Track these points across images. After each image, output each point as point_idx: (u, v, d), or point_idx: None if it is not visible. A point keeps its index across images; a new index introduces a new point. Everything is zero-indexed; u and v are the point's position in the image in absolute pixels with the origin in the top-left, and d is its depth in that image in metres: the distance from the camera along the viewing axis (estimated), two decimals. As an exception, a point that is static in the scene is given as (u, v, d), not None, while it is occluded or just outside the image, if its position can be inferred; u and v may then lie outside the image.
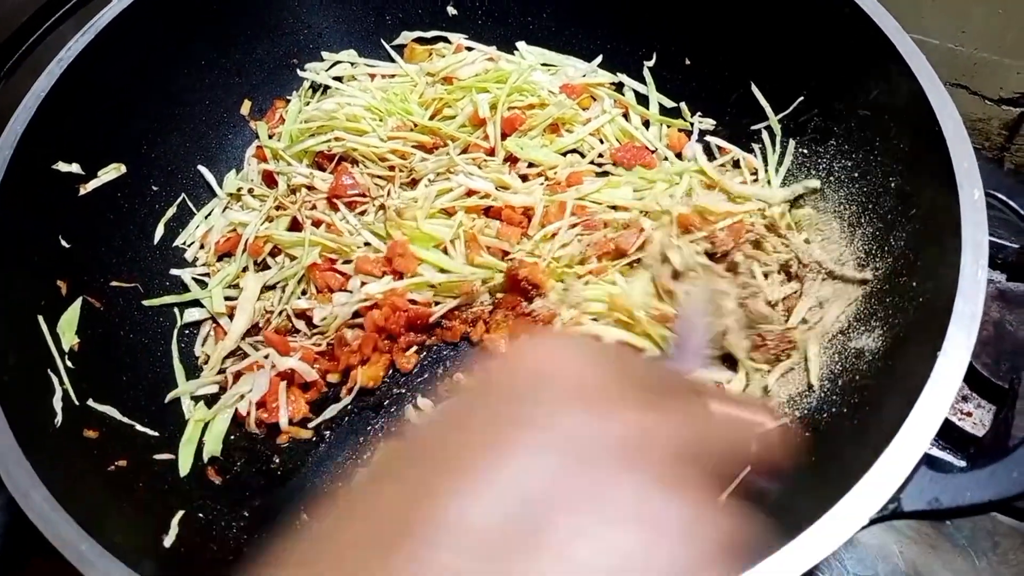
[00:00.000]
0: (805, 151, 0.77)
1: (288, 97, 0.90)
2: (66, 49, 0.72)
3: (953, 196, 0.59)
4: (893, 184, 0.68)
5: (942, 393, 0.51)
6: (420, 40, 0.93)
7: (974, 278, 0.55)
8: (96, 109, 0.75)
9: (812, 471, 0.61)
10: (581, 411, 0.27)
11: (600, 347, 0.32)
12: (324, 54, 0.91)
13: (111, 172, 0.76)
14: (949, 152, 0.60)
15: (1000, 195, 0.60)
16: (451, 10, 0.92)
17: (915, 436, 0.50)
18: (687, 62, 0.87)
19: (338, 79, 0.90)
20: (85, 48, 0.72)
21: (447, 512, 0.23)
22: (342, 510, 0.26)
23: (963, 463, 0.79)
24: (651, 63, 0.89)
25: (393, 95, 0.88)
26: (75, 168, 0.73)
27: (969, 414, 0.80)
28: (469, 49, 0.92)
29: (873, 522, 0.49)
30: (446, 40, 0.93)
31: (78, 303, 0.70)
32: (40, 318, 0.66)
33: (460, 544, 0.23)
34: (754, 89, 0.82)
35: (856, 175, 0.72)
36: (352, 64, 0.91)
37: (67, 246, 0.71)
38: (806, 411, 0.67)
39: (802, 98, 0.78)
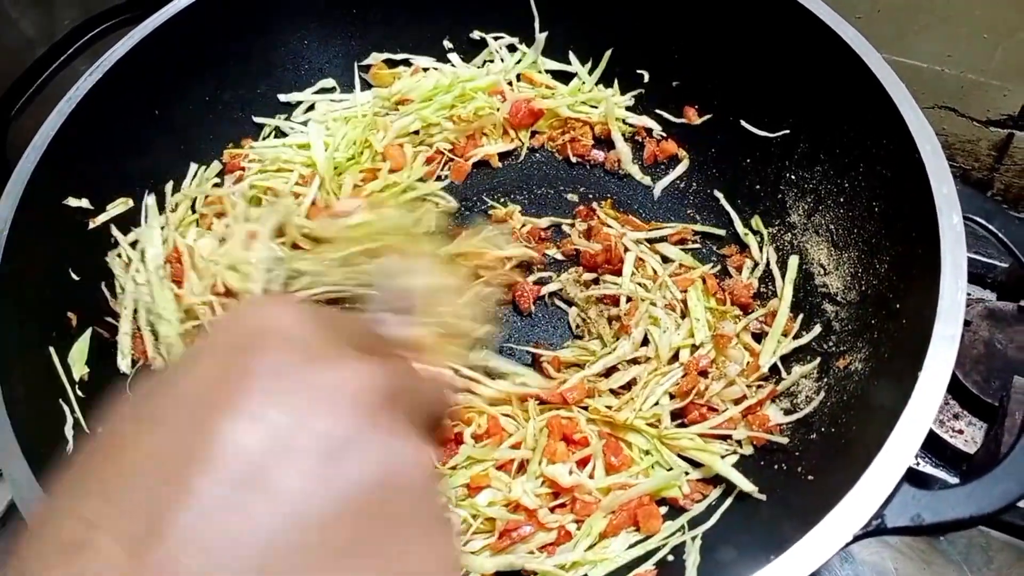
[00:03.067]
0: (793, 176, 0.79)
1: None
2: (75, 88, 0.75)
3: (933, 221, 0.61)
4: (877, 209, 0.70)
5: (922, 413, 0.53)
6: (389, 62, 0.95)
7: (953, 299, 0.57)
8: (104, 145, 0.77)
9: (802, 490, 0.63)
10: (302, 359, 0.30)
11: (314, 308, 0.36)
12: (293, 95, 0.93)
13: (119, 206, 0.78)
14: (928, 178, 0.62)
15: (979, 219, 0.62)
16: (447, 43, 0.95)
17: (896, 455, 0.52)
18: (674, 84, 0.89)
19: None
20: (94, 87, 0.75)
21: (212, 448, 0.27)
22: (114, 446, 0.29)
23: (956, 480, 0.81)
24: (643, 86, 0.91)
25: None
26: (84, 203, 0.75)
27: (961, 432, 0.81)
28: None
29: (857, 538, 0.51)
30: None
31: (87, 334, 0.72)
32: (51, 349, 0.68)
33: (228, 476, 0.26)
34: (744, 123, 0.84)
35: (842, 200, 0.74)
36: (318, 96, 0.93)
37: (76, 279, 0.73)
38: (796, 430, 0.68)
39: (788, 129, 0.80)
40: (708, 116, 0.87)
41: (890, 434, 0.52)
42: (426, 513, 0.30)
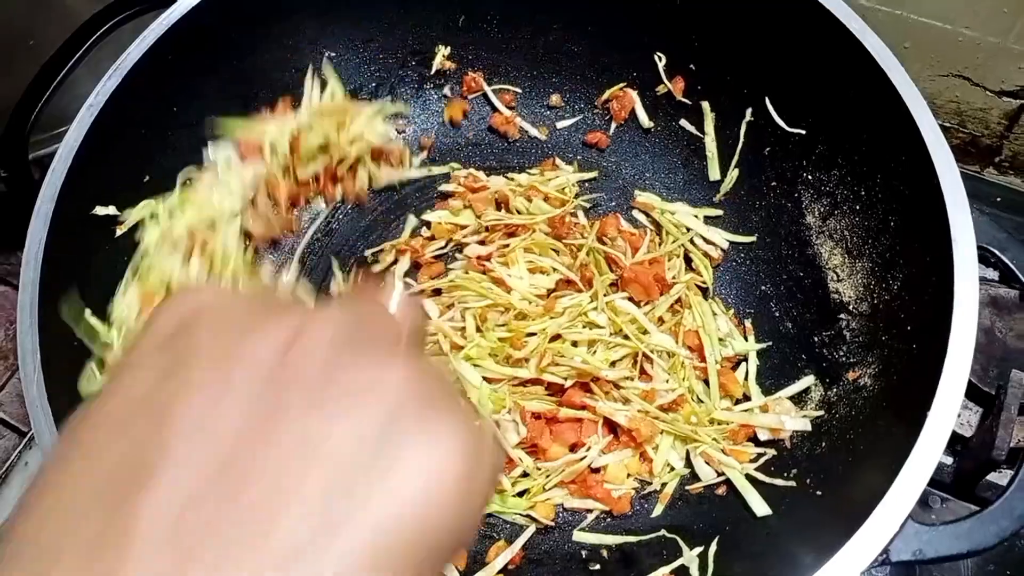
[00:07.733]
0: (810, 176, 0.80)
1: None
2: (95, 95, 0.74)
3: (947, 249, 0.62)
4: (892, 224, 0.71)
5: (928, 452, 0.56)
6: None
7: (964, 343, 0.59)
8: (126, 150, 0.77)
9: (809, 505, 0.67)
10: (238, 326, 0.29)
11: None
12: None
13: (142, 210, 0.78)
14: (946, 205, 0.63)
15: (993, 248, 0.64)
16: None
17: (901, 498, 0.55)
18: (691, 67, 0.89)
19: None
20: (113, 92, 0.74)
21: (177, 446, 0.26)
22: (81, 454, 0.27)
23: (950, 459, 0.85)
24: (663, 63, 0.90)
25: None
26: (111, 210, 0.75)
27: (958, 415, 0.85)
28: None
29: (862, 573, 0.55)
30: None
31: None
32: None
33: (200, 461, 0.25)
34: (768, 104, 0.84)
35: (858, 207, 0.75)
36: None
37: (110, 291, 0.75)
38: (805, 439, 0.72)
39: (805, 128, 0.80)
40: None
41: (897, 475, 0.55)
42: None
